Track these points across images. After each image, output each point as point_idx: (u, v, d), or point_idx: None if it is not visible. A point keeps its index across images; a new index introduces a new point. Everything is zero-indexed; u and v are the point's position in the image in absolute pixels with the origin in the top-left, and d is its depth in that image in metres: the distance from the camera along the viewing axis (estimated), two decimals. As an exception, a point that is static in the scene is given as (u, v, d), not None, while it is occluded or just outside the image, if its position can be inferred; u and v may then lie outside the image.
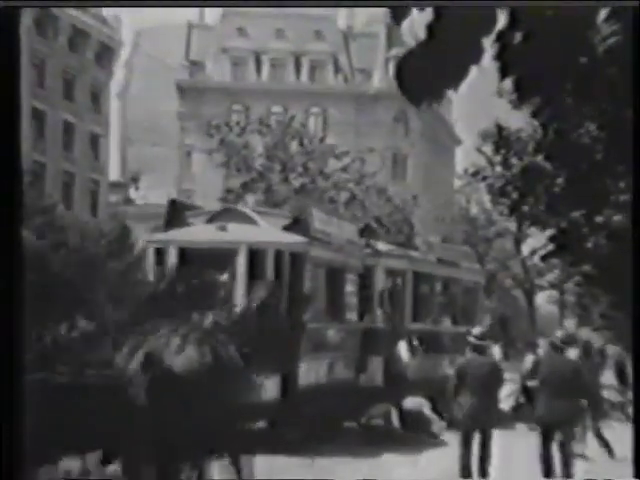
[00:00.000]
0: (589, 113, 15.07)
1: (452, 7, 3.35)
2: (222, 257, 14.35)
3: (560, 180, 17.11)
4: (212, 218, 16.24)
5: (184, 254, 14.86)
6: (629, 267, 4.54)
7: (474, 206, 55.84)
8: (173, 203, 17.96)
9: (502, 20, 3.44)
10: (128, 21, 63.31)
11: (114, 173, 67.85)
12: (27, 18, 47.86)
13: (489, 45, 3.41)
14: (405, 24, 3.56)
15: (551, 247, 19.02)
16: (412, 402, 17.59)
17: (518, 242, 51.53)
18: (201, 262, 12.73)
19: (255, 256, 14.76)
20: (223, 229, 15.38)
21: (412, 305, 18.67)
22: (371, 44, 66.88)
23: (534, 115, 16.68)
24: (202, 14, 70.16)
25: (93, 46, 59.36)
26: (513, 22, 3.45)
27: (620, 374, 20.43)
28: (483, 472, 11.13)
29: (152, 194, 66.73)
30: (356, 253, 17.48)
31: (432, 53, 3.31)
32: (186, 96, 66.67)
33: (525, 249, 51.60)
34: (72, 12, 55.16)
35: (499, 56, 3.47)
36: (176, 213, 16.78)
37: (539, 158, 17.74)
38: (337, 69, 68.15)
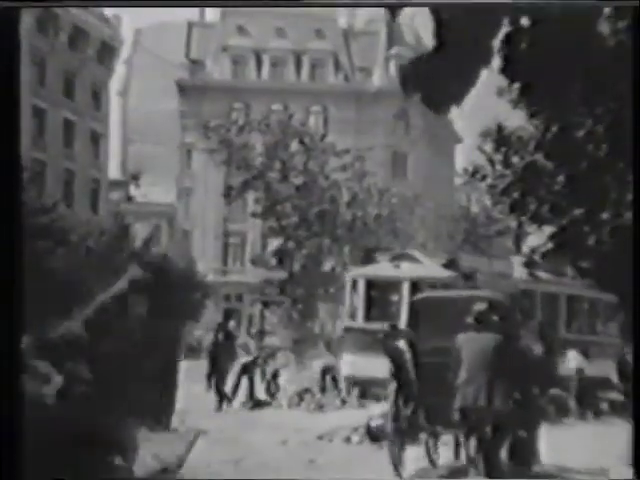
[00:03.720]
0: (590, 111, 15.06)
1: (458, 12, 3.35)
2: (395, 285, 20.99)
3: (560, 178, 17.10)
4: (392, 258, 22.44)
5: (371, 283, 21.71)
6: (630, 265, 4.55)
7: (474, 204, 55.83)
8: (368, 250, 26.10)
9: (507, 23, 3.45)
10: (128, 20, 63.43)
11: (114, 171, 67.85)
12: (28, 16, 47.84)
13: (495, 47, 3.42)
14: (405, 22, 3.56)
15: (551, 245, 18.99)
16: None
17: (518, 240, 51.48)
18: (382, 288, 21.38)
19: (415, 285, 20.04)
20: (397, 267, 21.47)
21: (565, 320, 23.38)
22: (371, 43, 66.84)
23: (534, 114, 16.66)
24: (202, 13, 70.16)
25: (94, 44, 59.36)
26: (518, 24, 3.46)
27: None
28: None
29: (152, 192, 66.78)
30: (503, 283, 21.44)
31: (444, 59, 3.31)
32: (186, 94, 66.62)
33: (525, 247, 51.56)
34: (73, 11, 55.15)
35: (505, 59, 3.48)
36: (369, 253, 24.63)
37: (539, 156, 17.72)
38: (337, 68, 68.11)
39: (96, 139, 59.65)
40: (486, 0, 3.47)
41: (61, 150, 56.02)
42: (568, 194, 17.11)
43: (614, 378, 23.50)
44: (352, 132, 62.13)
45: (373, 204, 46.30)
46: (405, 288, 20.59)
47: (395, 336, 12.72)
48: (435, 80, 3.35)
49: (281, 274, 42.39)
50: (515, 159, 19.26)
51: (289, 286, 43.13)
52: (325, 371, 22.48)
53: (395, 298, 20.97)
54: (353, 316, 22.01)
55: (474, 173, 21.52)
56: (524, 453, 11.82)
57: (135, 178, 70.10)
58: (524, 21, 3.53)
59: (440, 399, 10.65)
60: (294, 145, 43.51)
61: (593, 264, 19.01)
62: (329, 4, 28.06)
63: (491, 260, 24.08)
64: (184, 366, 18.19)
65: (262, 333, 37.52)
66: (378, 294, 21.78)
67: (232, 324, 26.93)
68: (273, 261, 42.44)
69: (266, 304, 41.78)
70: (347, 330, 22.24)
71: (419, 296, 14.92)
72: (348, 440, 15.07)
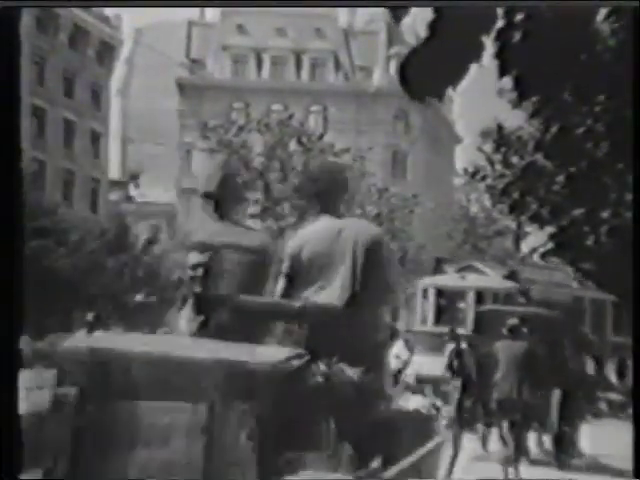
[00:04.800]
0: (589, 111, 15.05)
1: (453, 5, 3.34)
2: (461, 294, 23.46)
3: (560, 178, 17.09)
4: (459, 270, 25.15)
5: (440, 292, 23.97)
6: (630, 265, 4.54)
7: (474, 204, 55.85)
8: (439, 260, 28.29)
9: (502, 18, 3.43)
10: (128, 19, 63.41)
11: (114, 171, 67.85)
12: (28, 16, 47.82)
13: (489, 43, 3.41)
14: (406, 22, 3.56)
15: (551, 245, 18.98)
16: None
17: (518, 240, 51.49)
18: (449, 297, 23.59)
19: (481, 294, 23.00)
20: (463, 278, 23.95)
21: (612, 323, 25.93)
22: (372, 42, 66.83)
23: (534, 114, 16.65)
24: (202, 12, 70.14)
25: (94, 44, 59.34)
26: (513, 20, 3.44)
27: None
28: None
29: (152, 192, 66.79)
30: (558, 291, 24.44)
31: (433, 51, 3.30)
32: (186, 94, 66.62)
33: (525, 247, 51.61)
34: (73, 10, 55.13)
35: (499, 54, 3.46)
36: (439, 264, 26.99)
37: (539, 156, 17.71)
38: (337, 67, 68.10)
39: (96, 139, 59.63)
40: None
41: (61, 150, 56.01)
42: (568, 194, 17.11)
43: (612, 378, 23.72)
44: (352, 132, 62.12)
45: (372, 204, 46.30)
46: (471, 297, 23.35)
47: (456, 339, 14.98)
48: (419, 70, 3.33)
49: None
50: (515, 159, 19.25)
51: None
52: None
53: (462, 305, 23.58)
54: (424, 321, 24.57)
55: (474, 173, 21.52)
56: (566, 444, 14.85)
57: (135, 178, 70.10)
58: (519, 16, 3.51)
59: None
60: (292, 145, 43.48)
61: (593, 264, 19.00)
62: (329, 4, 27.95)
63: (551, 272, 25.82)
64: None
65: None
66: (446, 302, 24.35)
67: None
68: None
69: None
70: (418, 333, 23.32)
71: (483, 307, 18.95)
72: None
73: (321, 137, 46.34)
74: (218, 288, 4.60)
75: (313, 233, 4.87)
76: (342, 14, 69.00)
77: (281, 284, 4.84)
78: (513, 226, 46.42)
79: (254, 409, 3.62)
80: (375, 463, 4.33)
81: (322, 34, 68.05)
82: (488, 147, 20.94)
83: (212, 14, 70.44)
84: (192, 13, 69.35)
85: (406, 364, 22.61)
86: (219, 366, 3.68)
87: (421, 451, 4.79)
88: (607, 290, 21.05)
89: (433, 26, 3.32)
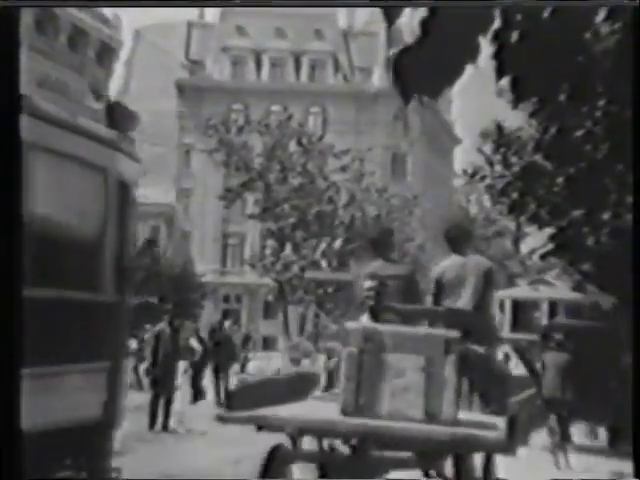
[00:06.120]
0: (588, 112, 15.06)
1: (448, 4, 3.33)
2: (535, 304, 26.08)
3: (560, 179, 17.09)
4: (531, 282, 28.74)
5: (516, 303, 26.24)
6: (629, 266, 4.54)
7: (473, 205, 55.88)
8: (510, 276, 31.84)
9: (499, 19, 3.42)
10: (128, 20, 63.45)
11: (114, 172, 67.68)
12: (27, 17, 47.81)
13: (487, 44, 3.40)
14: (406, 23, 3.55)
15: (550, 246, 18.99)
16: None
17: (517, 241, 51.56)
18: (523, 308, 26.16)
19: (554, 304, 25.51)
20: (536, 289, 26.62)
21: None
22: (371, 43, 66.83)
23: (533, 115, 16.65)
24: (202, 13, 70.15)
25: (93, 45, 59.33)
26: (510, 21, 3.44)
27: None
28: None
29: (151, 193, 66.75)
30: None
31: (426, 50, 3.29)
32: (186, 95, 66.65)
33: (524, 248, 51.63)
34: (72, 11, 55.12)
35: (496, 55, 3.45)
36: (511, 278, 30.14)
37: (539, 157, 17.72)
38: (337, 68, 68.13)
39: (95, 140, 59.58)
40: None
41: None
42: (567, 195, 17.11)
43: None
44: (351, 133, 62.15)
45: (372, 205, 46.31)
46: (544, 307, 25.94)
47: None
48: (410, 69, 3.32)
49: (345, 275, 41.35)
50: (514, 160, 19.26)
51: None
52: None
53: (536, 315, 26.09)
54: (501, 329, 26.54)
55: (473, 174, 21.52)
56: (619, 438, 16.99)
57: (134, 178, 69.98)
58: (517, 17, 3.50)
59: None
60: (292, 146, 43.49)
61: (592, 265, 19.01)
62: (329, 4, 27.97)
63: None
64: (182, 366, 18.23)
65: (317, 335, 36.61)
66: (521, 312, 26.61)
67: (228, 324, 27.08)
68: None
69: (320, 305, 40.67)
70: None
71: (555, 321, 22.66)
72: None
73: (321, 138, 46.37)
74: (385, 301, 7.38)
75: (448, 266, 7.94)
76: (341, 15, 69.06)
77: (430, 298, 7.90)
78: (512, 227, 46.47)
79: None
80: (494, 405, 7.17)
81: (321, 35, 68.07)
82: (487, 148, 20.93)
83: (211, 15, 70.52)
84: (191, 14, 69.42)
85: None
86: (432, 336, 6.84)
87: (521, 395, 7.89)
88: (607, 291, 21.02)
89: (426, 24, 3.31)
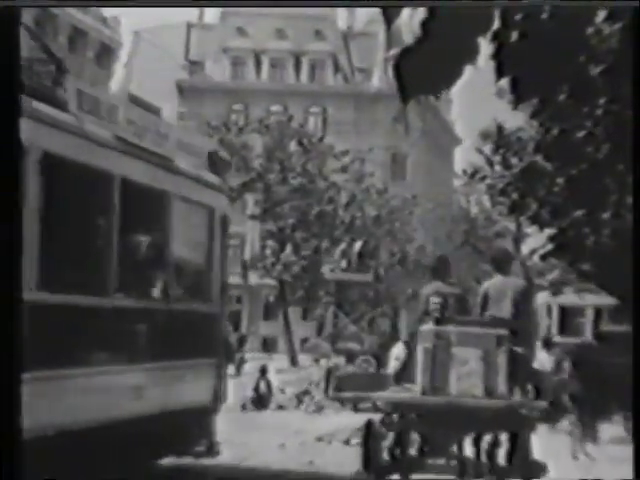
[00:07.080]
0: (589, 112, 15.05)
1: (447, 4, 3.32)
2: (581, 310, 28.37)
3: (560, 180, 17.09)
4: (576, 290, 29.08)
5: (563, 309, 28.50)
6: (630, 267, 4.54)
7: (474, 206, 55.86)
8: (554, 283, 31.32)
9: (498, 19, 3.41)
10: (127, 21, 63.44)
11: (114, 173, 67.69)
12: (27, 18, 47.79)
13: (486, 44, 3.39)
14: (404, 23, 3.54)
15: (550, 247, 18.98)
16: None
17: (517, 242, 51.49)
18: (571, 313, 28.33)
19: (599, 310, 27.43)
20: (581, 298, 27.50)
21: None
22: (371, 44, 66.80)
23: (533, 115, 16.65)
24: (202, 14, 70.17)
25: (93, 46, 59.33)
26: (509, 21, 3.43)
27: None
28: None
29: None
30: None
31: (426, 50, 3.28)
32: (186, 96, 66.65)
33: (525, 249, 51.58)
34: (72, 12, 55.11)
35: (496, 55, 3.45)
36: (558, 286, 30.20)
37: (539, 158, 17.72)
38: (337, 69, 68.13)
39: (95, 140, 59.56)
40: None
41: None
42: (568, 195, 17.11)
43: None
44: (351, 133, 62.15)
45: (372, 205, 46.33)
46: (589, 312, 27.97)
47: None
48: (410, 70, 3.31)
49: (365, 276, 41.23)
50: (514, 160, 19.26)
51: (373, 289, 43.07)
52: None
53: (582, 320, 28.23)
54: (548, 332, 28.04)
55: (473, 174, 21.53)
56: None
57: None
58: (516, 17, 3.49)
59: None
60: (292, 146, 43.49)
61: (593, 266, 19.01)
62: (329, 4, 27.98)
63: None
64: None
65: (335, 336, 36.43)
66: (568, 317, 28.65)
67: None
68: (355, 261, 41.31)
69: (340, 306, 40.46)
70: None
71: (601, 328, 24.70)
72: None
73: (321, 139, 46.36)
74: (447, 313, 9.85)
75: (493, 284, 10.39)
76: (341, 16, 69.10)
77: (477, 309, 10.27)
78: (513, 227, 46.45)
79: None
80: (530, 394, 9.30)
81: (321, 36, 68.07)
82: (487, 148, 20.95)
83: (211, 16, 70.53)
84: (191, 15, 69.43)
85: (405, 365, 22.79)
86: (487, 334, 9.25)
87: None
88: (607, 292, 21.02)
89: (426, 25, 3.30)
